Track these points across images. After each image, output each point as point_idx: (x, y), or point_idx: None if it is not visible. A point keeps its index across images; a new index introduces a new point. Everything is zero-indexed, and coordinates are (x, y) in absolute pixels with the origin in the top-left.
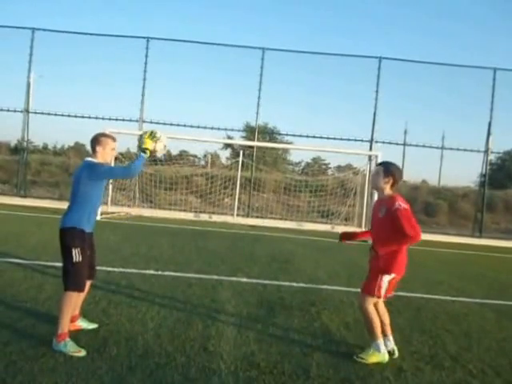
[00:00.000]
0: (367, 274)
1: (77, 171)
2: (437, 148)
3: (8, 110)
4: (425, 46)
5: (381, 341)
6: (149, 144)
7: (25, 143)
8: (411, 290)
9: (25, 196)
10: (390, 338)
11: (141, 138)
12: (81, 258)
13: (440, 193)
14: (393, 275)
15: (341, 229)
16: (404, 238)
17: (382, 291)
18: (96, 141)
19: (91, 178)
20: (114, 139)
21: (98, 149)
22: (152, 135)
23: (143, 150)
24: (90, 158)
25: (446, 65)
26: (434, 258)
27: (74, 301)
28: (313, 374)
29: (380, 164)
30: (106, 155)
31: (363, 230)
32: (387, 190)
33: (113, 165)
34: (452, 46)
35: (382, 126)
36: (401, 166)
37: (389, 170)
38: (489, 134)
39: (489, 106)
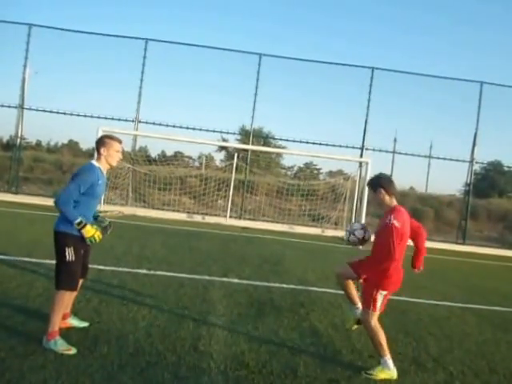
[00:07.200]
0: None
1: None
2: (424, 157)
3: (2, 106)
4: (415, 58)
5: (389, 357)
6: (87, 233)
7: (18, 139)
8: (396, 294)
9: (16, 193)
10: (359, 305)
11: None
12: (74, 258)
13: (427, 200)
14: (385, 292)
15: (331, 232)
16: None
17: (378, 305)
18: (100, 142)
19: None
20: (119, 141)
21: (102, 151)
22: (96, 237)
23: (80, 223)
24: (93, 161)
25: (435, 77)
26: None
27: (67, 300)
28: (300, 374)
29: (367, 184)
30: (110, 157)
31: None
32: (387, 202)
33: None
34: (442, 60)
35: (372, 134)
36: (390, 173)
37: (374, 184)
38: (474, 144)
39: (475, 117)
